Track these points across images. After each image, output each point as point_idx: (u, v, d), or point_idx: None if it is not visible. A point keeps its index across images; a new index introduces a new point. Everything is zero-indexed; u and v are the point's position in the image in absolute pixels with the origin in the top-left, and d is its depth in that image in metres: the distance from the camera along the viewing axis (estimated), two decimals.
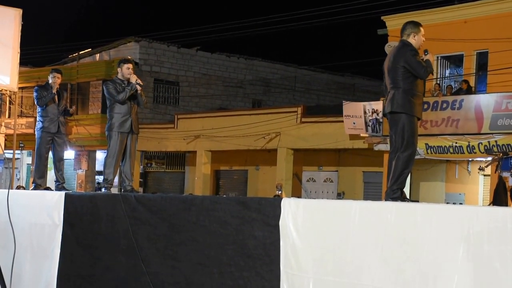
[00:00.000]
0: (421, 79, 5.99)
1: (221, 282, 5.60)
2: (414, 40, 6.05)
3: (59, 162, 9.35)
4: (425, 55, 6.04)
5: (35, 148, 9.36)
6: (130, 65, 8.22)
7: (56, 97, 9.24)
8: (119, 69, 8.23)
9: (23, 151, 26.78)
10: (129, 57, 10.79)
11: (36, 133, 9.36)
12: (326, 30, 55.10)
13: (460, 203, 17.77)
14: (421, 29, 6.11)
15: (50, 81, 9.27)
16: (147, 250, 6.21)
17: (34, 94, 9.31)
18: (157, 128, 25.08)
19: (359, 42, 48.28)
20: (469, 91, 17.52)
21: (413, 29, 6.08)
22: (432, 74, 6.28)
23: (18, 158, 23.37)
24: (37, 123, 9.39)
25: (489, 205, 13.12)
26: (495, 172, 13.16)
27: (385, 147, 16.87)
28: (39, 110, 9.31)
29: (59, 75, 9.32)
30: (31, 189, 9.39)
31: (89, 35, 53.73)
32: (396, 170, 5.90)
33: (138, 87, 8.11)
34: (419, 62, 5.93)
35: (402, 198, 5.85)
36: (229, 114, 24.11)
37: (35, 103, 9.39)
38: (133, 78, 8.08)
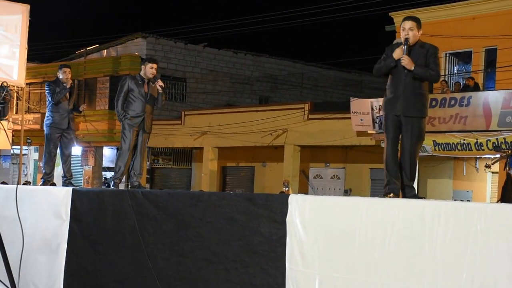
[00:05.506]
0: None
1: (227, 278, 5.60)
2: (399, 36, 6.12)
3: (67, 157, 9.34)
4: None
5: (44, 143, 9.32)
6: (155, 65, 8.33)
7: (67, 93, 9.20)
8: (142, 67, 8.33)
9: (30, 147, 26.85)
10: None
11: (45, 129, 9.29)
12: (334, 27, 54.98)
13: (468, 200, 17.71)
14: (402, 23, 5.92)
15: (61, 77, 9.21)
16: (153, 246, 6.21)
17: (47, 90, 9.19)
18: (164, 124, 25.07)
19: (366, 38, 48.08)
20: (476, 88, 17.45)
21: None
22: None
23: (25, 154, 23.43)
24: (46, 118, 9.28)
25: (497, 202, 13.06)
26: (504, 170, 13.10)
27: None
28: (50, 105, 9.21)
29: (69, 70, 9.31)
30: (39, 185, 9.39)
31: (96, 31, 53.84)
32: None
33: (159, 88, 8.30)
34: (380, 60, 5.99)
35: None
36: (236, 110, 24.10)
37: (49, 99, 9.23)
38: (159, 83, 8.28)
